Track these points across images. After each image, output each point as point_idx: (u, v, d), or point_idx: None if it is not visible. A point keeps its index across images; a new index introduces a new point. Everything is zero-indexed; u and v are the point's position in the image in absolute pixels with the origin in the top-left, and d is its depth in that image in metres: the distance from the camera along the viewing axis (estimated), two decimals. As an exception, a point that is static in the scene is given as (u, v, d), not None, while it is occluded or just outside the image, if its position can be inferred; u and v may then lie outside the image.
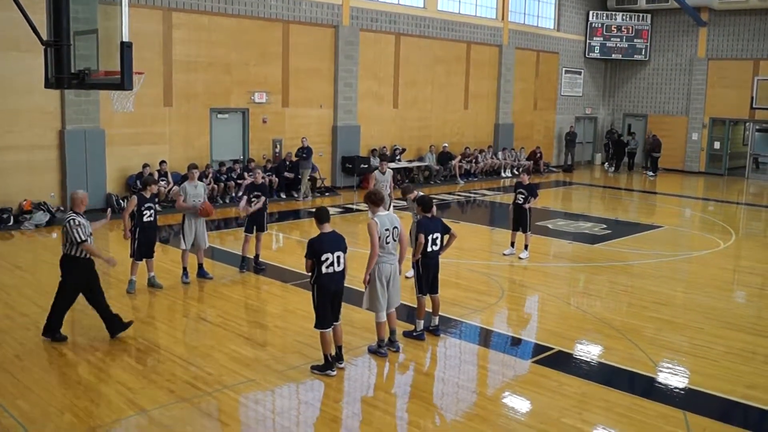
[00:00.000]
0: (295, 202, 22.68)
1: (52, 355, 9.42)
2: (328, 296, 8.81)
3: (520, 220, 15.55)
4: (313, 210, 9.21)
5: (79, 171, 18.85)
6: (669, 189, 29.64)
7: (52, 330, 9.87)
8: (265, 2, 22.69)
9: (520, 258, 15.42)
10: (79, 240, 9.50)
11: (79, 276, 9.80)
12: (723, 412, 8.38)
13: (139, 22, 18.57)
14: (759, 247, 18.46)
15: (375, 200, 9.58)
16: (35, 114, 18.19)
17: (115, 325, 9.99)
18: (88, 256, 9.70)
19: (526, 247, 15.65)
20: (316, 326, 8.89)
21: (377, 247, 9.20)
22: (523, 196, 15.37)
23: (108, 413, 7.72)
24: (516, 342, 10.75)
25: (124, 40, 8.26)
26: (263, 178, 14.65)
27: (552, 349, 10.19)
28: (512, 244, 15.83)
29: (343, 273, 8.91)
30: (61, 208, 18.49)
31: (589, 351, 10.34)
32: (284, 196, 22.83)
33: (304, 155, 23.02)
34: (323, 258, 8.66)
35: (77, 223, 9.57)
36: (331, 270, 8.73)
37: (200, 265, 13.28)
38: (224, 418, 7.79)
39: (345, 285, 9.10)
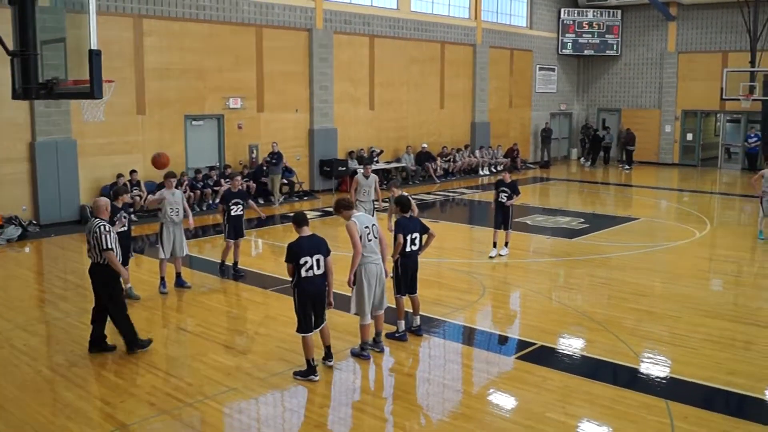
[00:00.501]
0: (272, 207, 22.57)
1: (26, 372, 9.21)
2: (309, 300, 8.76)
3: (503, 218, 15.47)
4: (291, 215, 9.13)
5: (51, 183, 18.62)
6: (644, 181, 29.86)
7: (133, 342, 9.78)
8: (237, 7, 22.57)
9: (500, 255, 15.40)
10: (105, 247, 9.34)
11: (103, 284, 9.64)
12: (705, 399, 8.40)
13: (109, 30, 18.44)
14: (733, 235, 18.59)
15: (345, 205, 9.54)
16: (4, 126, 17.94)
17: (132, 342, 9.84)
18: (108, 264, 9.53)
19: (506, 244, 15.63)
20: (298, 330, 8.84)
21: (359, 246, 9.17)
22: (506, 195, 15.28)
23: (87, 430, 7.56)
24: (499, 339, 10.76)
25: (92, 48, 8.14)
26: (241, 185, 14.56)
27: (534, 344, 10.19)
28: (495, 245, 15.63)
29: (323, 276, 8.85)
30: (33, 222, 18.27)
31: (571, 344, 10.36)
32: (262, 202, 22.68)
33: (274, 161, 22.80)
34: (302, 261, 8.61)
35: (107, 229, 9.45)
36: (310, 273, 8.67)
37: (178, 274, 13.12)
38: (207, 429, 7.69)
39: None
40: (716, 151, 35.35)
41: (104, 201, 9.87)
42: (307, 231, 8.85)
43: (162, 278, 12.84)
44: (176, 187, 13.21)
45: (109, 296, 9.64)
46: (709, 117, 36.10)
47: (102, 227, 9.43)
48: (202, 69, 21.96)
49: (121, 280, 10.85)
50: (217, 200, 17.25)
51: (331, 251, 8.95)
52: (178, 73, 21.36)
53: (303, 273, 8.63)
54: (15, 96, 8.64)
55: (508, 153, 32.88)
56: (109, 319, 9.78)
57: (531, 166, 34.50)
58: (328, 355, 9.21)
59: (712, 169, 34.13)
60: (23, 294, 13.22)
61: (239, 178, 14.26)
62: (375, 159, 26.64)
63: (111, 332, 10.03)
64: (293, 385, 8.75)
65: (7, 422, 7.76)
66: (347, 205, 9.56)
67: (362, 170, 16.17)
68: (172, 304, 12.34)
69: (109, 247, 9.36)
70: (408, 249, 10.11)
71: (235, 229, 13.71)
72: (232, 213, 13.62)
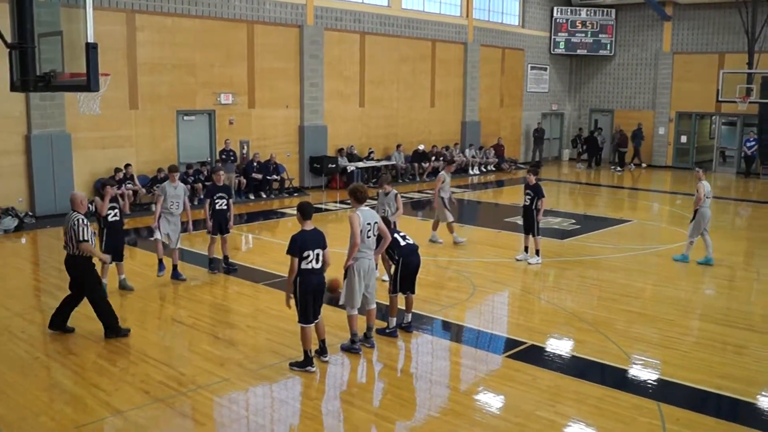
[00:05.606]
0: (263, 203, 22.59)
1: (25, 358, 9.36)
2: (311, 290, 8.83)
3: (527, 222, 15.02)
4: (298, 204, 9.17)
5: (46, 175, 18.73)
6: (636, 183, 29.91)
7: (111, 329, 10.11)
8: (228, 3, 22.59)
9: (529, 263, 14.98)
10: (81, 239, 9.70)
11: (80, 275, 10.05)
12: (696, 402, 8.45)
13: (102, 25, 18.40)
14: (726, 239, 18.58)
15: (359, 197, 9.58)
16: (1, 119, 18.04)
17: (112, 327, 10.15)
18: (84, 254, 9.89)
19: (537, 252, 15.06)
20: (299, 321, 8.91)
21: (358, 238, 9.23)
22: (529, 197, 14.89)
23: (84, 416, 7.67)
24: (488, 337, 10.80)
25: (89, 41, 8.18)
26: (226, 179, 14.59)
27: (524, 343, 10.26)
28: (525, 249, 15.28)
29: (322, 269, 8.94)
30: (30, 213, 18.32)
31: (561, 344, 10.43)
32: (253, 198, 22.73)
33: (232, 158, 22.34)
34: (305, 255, 8.70)
35: (84, 222, 9.80)
36: (309, 266, 8.76)
37: (174, 266, 13.22)
38: (199, 418, 7.77)
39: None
40: (711, 154, 35.24)
41: (80, 195, 10.27)
42: (310, 225, 8.92)
43: (160, 260, 13.03)
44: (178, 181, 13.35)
45: (87, 286, 10.07)
46: (704, 119, 36.09)
47: (79, 220, 9.81)
48: (194, 64, 21.97)
49: (105, 266, 11.73)
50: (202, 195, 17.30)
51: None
52: (170, 68, 21.38)
53: (303, 266, 8.72)
54: (13, 88, 8.70)
55: (495, 150, 32.89)
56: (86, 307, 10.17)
57: (521, 166, 34.53)
58: (323, 350, 9.32)
59: (706, 172, 33.96)
60: (20, 283, 13.33)
61: (222, 172, 14.21)
62: (370, 156, 26.95)
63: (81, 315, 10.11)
64: (284, 377, 8.83)
65: (7, 405, 7.93)
66: (360, 198, 9.59)
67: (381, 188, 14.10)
68: (166, 296, 12.41)
69: (84, 239, 9.74)
70: (403, 243, 10.20)
71: (219, 224, 13.70)
72: (217, 207, 13.61)
